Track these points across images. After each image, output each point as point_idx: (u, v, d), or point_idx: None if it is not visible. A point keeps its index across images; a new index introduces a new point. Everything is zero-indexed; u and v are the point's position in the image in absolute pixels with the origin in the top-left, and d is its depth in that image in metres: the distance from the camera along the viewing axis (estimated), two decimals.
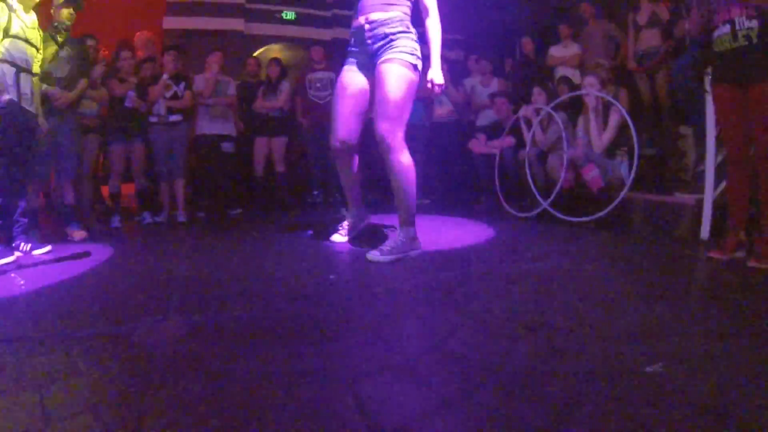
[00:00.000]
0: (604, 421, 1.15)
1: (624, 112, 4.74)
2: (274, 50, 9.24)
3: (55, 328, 1.96)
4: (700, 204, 3.93)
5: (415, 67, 3.03)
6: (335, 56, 7.07)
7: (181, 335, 1.79)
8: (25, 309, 2.29)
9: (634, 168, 4.50)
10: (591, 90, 5.03)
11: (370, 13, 3.04)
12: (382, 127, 2.98)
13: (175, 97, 5.51)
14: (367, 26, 3.05)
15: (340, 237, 3.67)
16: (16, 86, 3.46)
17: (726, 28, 3.14)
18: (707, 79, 3.57)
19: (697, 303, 2.42)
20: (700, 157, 4.10)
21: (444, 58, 6.82)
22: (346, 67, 3.23)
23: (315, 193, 7.15)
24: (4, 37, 3.40)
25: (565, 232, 4.39)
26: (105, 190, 5.76)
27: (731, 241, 3.30)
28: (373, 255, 2.98)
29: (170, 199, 5.66)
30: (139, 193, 5.60)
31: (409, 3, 3.12)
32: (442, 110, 6.93)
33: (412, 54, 3.01)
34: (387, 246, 3.03)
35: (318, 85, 6.78)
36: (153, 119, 5.40)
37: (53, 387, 1.37)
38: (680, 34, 4.89)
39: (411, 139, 6.24)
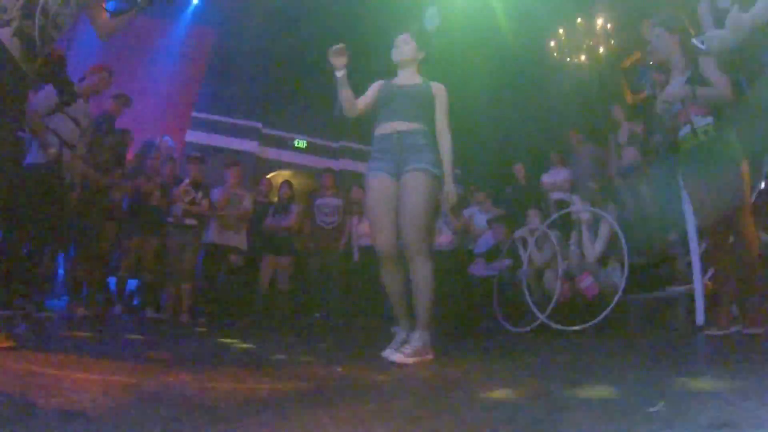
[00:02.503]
0: None
1: (612, 222, 5.05)
2: (284, 176, 9.84)
3: None
4: (691, 293, 4.05)
5: (438, 179, 3.14)
6: (342, 185, 7.62)
7: None
8: None
9: (626, 273, 4.70)
10: (580, 205, 5.40)
11: (397, 122, 3.19)
12: (411, 234, 3.04)
13: (193, 202, 5.88)
14: (395, 135, 3.17)
15: (400, 356, 2.94)
16: (57, 155, 3.84)
17: (687, 128, 3.54)
18: (680, 177, 3.90)
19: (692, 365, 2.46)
20: (686, 250, 4.30)
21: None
22: (373, 174, 3.24)
23: (316, 315, 7.22)
24: (57, 112, 3.84)
25: (564, 340, 4.44)
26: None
27: (725, 318, 3.41)
28: (398, 357, 2.87)
29: (174, 299, 5.76)
30: (144, 287, 5.74)
31: (428, 119, 3.25)
32: (443, 238, 7.21)
33: (436, 167, 3.12)
34: (409, 349, 2.92)
35: (326, 210, 7.18)
36: (170, 219, 5.71)
37: None
38: (655, 147, 5.38)
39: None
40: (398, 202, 3.14)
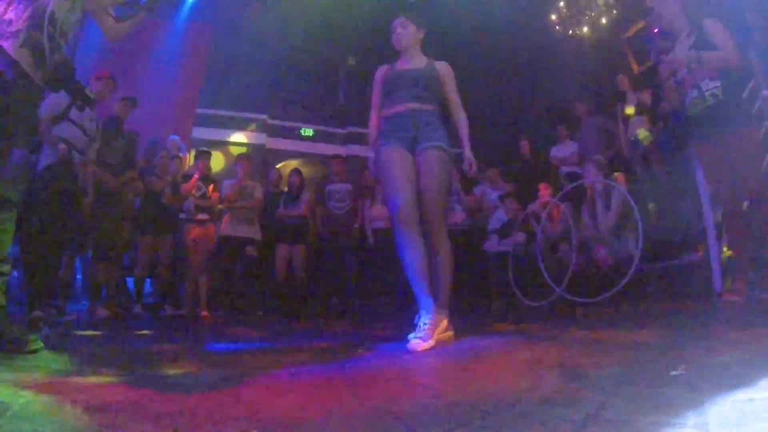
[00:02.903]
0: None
1: (624, 192, 5.02)
2: (293, 165, 9.72)
3: None
4: (708, 260, 4.03)
5: (451, 155, 3.13)
6: (351, 171, 7.61)
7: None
8: None
9: (640, 242, 4.68)
10: (591, 176, 5.37)
11: (409, 102, 3.15)
12: (433, 211, 3.01)
13: (203, 197, 5.93)
14: (410, 112, 3.14)
15: (421, 342, 2.67)
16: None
17: (694, 92, 3.49)
18: (690, 143, 3.85)
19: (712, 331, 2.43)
20: (700, 216, 4.28)
21: (456, 168, 7.32)
22: (387, 145, 3.15)
23: (333, 300, 7.26)
24: (61, 119, 3.88)
25: (582, 311, 4.44)
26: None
27: (742, 283, 3.39)
28: (417, 343, 2.65)
29: (192, 294, 5.83)
30: (162, 285, 5.82)
31: (437, 99, 3.24)
32: (455, 217, 7.20)
33: (448, 144, 3.11)
34: (426, 331, 2.73)
35: (337, 196, 7.17)
36: (182, 216, 5.77)
37: None
38: (663, 114, 5.32)
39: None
40: (417, 178, 3.08)
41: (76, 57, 6.01)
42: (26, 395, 1.37)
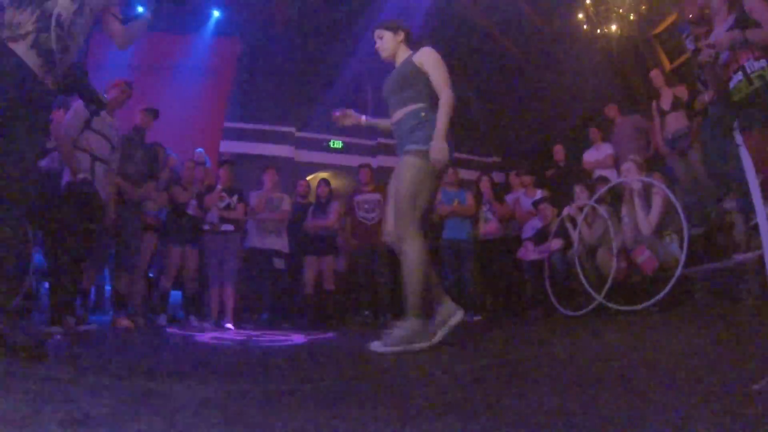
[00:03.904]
0: None
1: (667, 191, 4.75)
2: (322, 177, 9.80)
3: None
4: (762, 259, 3.74)
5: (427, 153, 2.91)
6: (381, 181, 7.49)
7: None
8: None
9: (686, 244, 4.40)
10: (630, 175, 5.12)
11: (395, 112, 3.12)
12: (394, 219, 3.00)
13: (228, 208, 5.87)
14: (395, 126, 3.14)
15: (377, 343, 2.85)
16: (90, 172, 3.93)
17: (739, 76, 3.26)
18: (736, 132, 3.59)
19: None
20: (746, 215, 3.99)
21: (489, 180, 7.13)
22: None
23: (366, 313, 7.11)
24: (85, 129, 3.92)
25: (626, 320, 4.16)
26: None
27: None
28: (376, 345, 2.78)
29: (218, 306, 5.77)
30: (188, 296, 5.77)
31: (421, 93, 3.08)
32: (489, 226, 7.01)
33: (425, 143, 2.91)
34: (391, 338, 2.78)
35: (366, 206, 7.02)
36: (206, 227, 5.72)
37: None
38: (701, 107, 5.04)
39: (458, 255, 6.44)
40: None
41: (103, 75, 6.14)
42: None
